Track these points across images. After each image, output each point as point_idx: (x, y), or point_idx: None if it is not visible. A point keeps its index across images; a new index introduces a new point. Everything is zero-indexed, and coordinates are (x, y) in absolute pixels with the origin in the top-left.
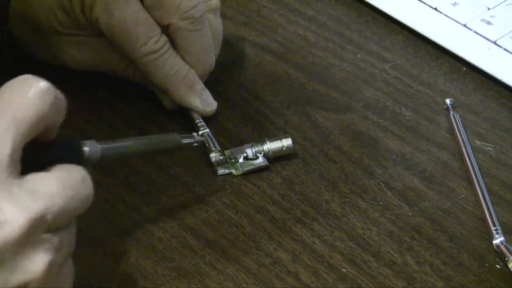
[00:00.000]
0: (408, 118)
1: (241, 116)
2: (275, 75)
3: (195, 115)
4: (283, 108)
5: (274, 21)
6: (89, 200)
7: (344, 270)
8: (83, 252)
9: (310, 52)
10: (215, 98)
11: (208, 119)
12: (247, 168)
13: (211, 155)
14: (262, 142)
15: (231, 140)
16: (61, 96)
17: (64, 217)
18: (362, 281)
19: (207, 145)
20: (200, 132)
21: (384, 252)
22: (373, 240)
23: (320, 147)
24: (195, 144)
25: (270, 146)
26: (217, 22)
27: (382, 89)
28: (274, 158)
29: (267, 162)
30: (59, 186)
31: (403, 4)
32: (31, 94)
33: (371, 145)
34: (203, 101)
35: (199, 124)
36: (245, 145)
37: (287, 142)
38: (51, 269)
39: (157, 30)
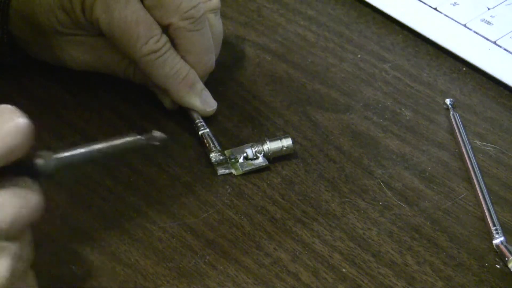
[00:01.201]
0: (408, 118)
1: (241, 116)
2: (275, 75)
3: (195, 115)
4: (283, 108)
5: (274, 21)
6: (40, 206)
7: (344, 270)
8: (83, 252)
9: (310, 52)
10: (215, 98)
11: (208, 119)
12: (247, 168)
13: (211, 155)
14: (262, 142)
15: (231, 140)
16: (33, 129)
17: (18, 225)
18: (362, 281)
19: (207, 145)
20: (200, 132)
21: (384, 252)
22: (373, 240)
23: (320, 147)
24: (156, 143)
25: (270, 146)
26: (217, 22)
27: (382, 89)
28: (274, 158)
29: (267, 162)
30: (7, 196)
31: (403, 4)
32: (6, 129)
33: (371, 145)
34: (203, 101)
35: (199, 124)
36: (245, 145)
37: (287, 142)
38: (14, 275)
39: (158, 30)
